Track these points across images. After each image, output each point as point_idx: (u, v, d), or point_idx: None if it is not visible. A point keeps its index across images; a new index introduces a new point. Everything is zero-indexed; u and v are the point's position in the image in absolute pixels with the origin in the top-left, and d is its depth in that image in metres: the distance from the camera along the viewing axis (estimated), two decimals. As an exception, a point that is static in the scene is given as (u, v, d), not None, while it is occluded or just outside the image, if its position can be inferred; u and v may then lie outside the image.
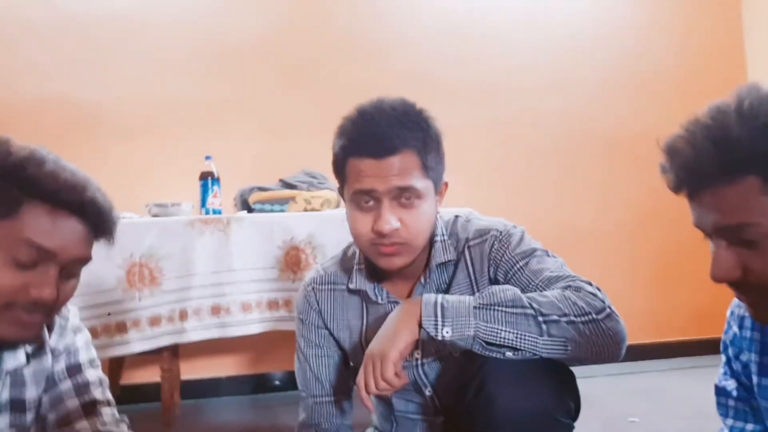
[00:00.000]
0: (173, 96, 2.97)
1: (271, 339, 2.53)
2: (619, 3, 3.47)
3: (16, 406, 1.04)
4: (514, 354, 1.02)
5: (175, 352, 2.34)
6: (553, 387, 1.04)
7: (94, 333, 2.06)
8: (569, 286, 1.08)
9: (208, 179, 2.41)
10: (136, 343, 2.14)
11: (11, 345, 1.00)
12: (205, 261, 2.19)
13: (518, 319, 1.01)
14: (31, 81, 2.85)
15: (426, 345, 1.22)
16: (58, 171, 0.92)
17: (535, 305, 1.02)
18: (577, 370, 1.12)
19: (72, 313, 1.15)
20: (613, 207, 3.37)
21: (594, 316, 1.02)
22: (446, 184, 1.24)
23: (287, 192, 2.49)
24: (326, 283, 1.33)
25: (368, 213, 1.14)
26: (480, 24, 3.30)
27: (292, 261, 2.26)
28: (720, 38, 3.54)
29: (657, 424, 2.22)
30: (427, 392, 1.26)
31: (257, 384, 2.97)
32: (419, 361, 1.25)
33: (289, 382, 2.92)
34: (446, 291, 1.23)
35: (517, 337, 1.00)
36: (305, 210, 2.42)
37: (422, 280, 1.23)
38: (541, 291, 1.09)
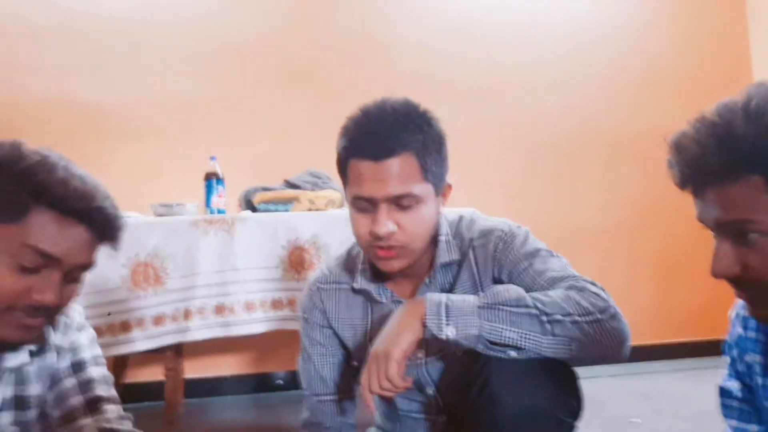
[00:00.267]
0: (178, 97, 2.98)
1: (275, 338, 2.53)
2: (621, 2, 3.47)
3: (20, 403, 1.05)
4: (517, 353, 1.02)
5: (178, 351, 2.35)
6: (557, 386, 1.04)
7: (99, 332, 2.07)
8: (573, 286, 1.08)
9: (212, 179, 2.42)
10: (140, 341, 2.15)
11: (13, 346, 1.00)
12: (209, 260, 2.19)
13: (522, 319, 1.01)
14: (37, 82, 2.86)
15: (429, 344, 1.22)
16: (68, 178, 0.92)
17: (539, 305, 1.03)
18: (578, 371, 1.12)
19: (77, 311, 1.16)
20: (614, 206, 3.36)
21: (598, 315, 1.03)
22: (449, 186, 1.24)
23: (291, 192, 2.50)
24: (331, 282, 1.33)
25: (366, 215, 1.14)
26: (481, 24, 3.30)
27: (296, 261, 2.26)
28: (724, 37, 3.53)
29: (658, 425, 2.22)
30: (430, 391, 1.27)
31: (260, 383, 2.98)
32: (423, 361, 1.25)
33: (293, 381, 2.92)
34: (450, 291, 1.23)
35: (520, 337, 1.01)
36: (309, 210, 2.42)
37: (426, 280, 1.24)
38: (544, 291, 1.09)
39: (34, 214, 0.90)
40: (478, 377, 1.05)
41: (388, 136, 1.11)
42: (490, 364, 1.03)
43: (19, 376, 1.05)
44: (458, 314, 1.03)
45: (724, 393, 1.04)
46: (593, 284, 1.10)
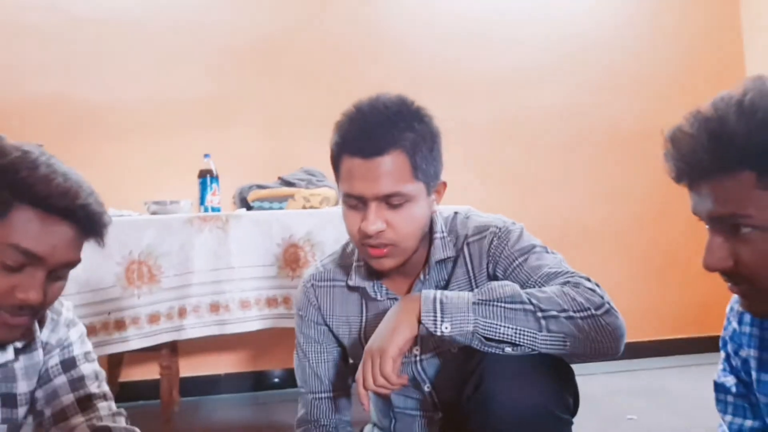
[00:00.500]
0: (172, 94, 2.97)
1: (270, 336, 2.53)
2: (619, 2, 3.47)
3: (7, 400, 1.04)
4: (513, 349, 1.02)
5: (174, 350, 2.34)
6: (552, 383, 1.04)
7: (93, 330, 2.06)
8: (568, 282, 1.08)
9: (206, 177, 2.42)
10: (135, 340, 2.14)
11: None
12: (203, 258, 2.18)
13: (517, 315, 1.01)
14: (30, 80, 2.85)
15: (425, 341, 1.22)
16: (51, 175, 0.90)
17: (534, 301, 1.02)
18: (575, 368, 1.12)
19: (65, 307, 1.14)
20: (610, 203, 3.37)
21: (593, 311, 1.02)
22: (444, 184, 1.23)
23: (286, 190, 2.49)
24: (325, 279, 1.33)
25: (357, 213, 1.14)
26: (481, 23, 3.30)
27: (290, 258, 2.26)
28: (718, 35, 3.54)
29: (655, 422, 2.22)
30: (426, 388, 1.26)
31: (256, 381, 2.97)
32: (418, 357, 1.25)
33: (288, 379, 2.92)
34: (445, 287, 1.23)
35: (516, 333, 1.00)
36: (304, 208, 2.42)
37: (421, 276, 1.23)
38: (540, 287, 1.09)
39: (16, 212, 0.89)
40: (474, 374, 1.04)
41: (379, 133, 1.10)
42: (486, 360, 1.03)
43: (6, 373, 1.04)
44: (453, 311, 1.02)
45: (719, 388, 1.04)
46: (588, 280, 1.09)
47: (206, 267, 2.19)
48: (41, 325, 1.08)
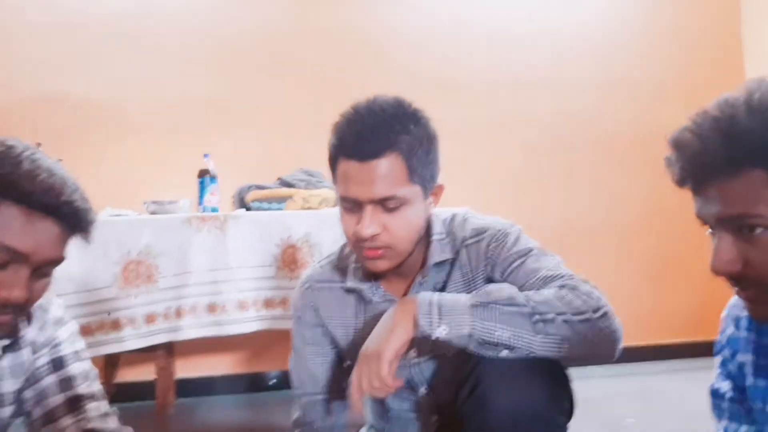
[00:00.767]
0: (172, 94, 2.97)
1: (267, 338, 2.53)
2: (617, 2, 3.48)
3: None
4: (509, 353, 1.01)
5: (170, 351, 2.34)
6: (548, 386, 1.03)
7: (89, 330, 2.06)
8: (565, 285, 1.07)
9: (205, 177, 2.42)
10: (132, 340, 2.14)
11: None
12: (201, 259, 2.18)
13: (514, 318, 1.01)
14: (30, 79, 2.85)
15: (421, 344, 1.21)
16: (35, 171, 0.88)
17: (531, 303, 1.02)
18: (573, 372, 1.11)
19: (54, 305, 1.12)
20: (609, 206, 3.37)
21: (590, 314, 1.02)
22: (441, 187, 1.22)
23: (285, 190, 2.49)
24: (323, 281, 1.32)
25: (353, 215, 1.14)
26: (480, 23, 3.30)
27: (289, 259, 2.26)
28: (718, 38, 3.54)
29: (652, 426, 2.22)
30: (422, 391, 1.26)
31: (252, 383, 2.97)
32: (415, 360, 1.24)
33: (285, 381, 2.90)
34: (442, 289, 1.22)
35: (512, 336, 1.00)
36: (302, 208, 2.41)
37: (419, 278, 1.23)
38: (537, 290, 1.09)
39: (0, 209, 0.87)
40: (470, 377, 1.04)
41: (374, 136, 1.10)
42: (482, 363, 1.03)
43: None
44: (451, 313, 1.02)
45: (715, 394, 1.04)
46: (586, 283, 1.09)
47: (204, 267, 2.18)
48: (28, 323, 1.06)
